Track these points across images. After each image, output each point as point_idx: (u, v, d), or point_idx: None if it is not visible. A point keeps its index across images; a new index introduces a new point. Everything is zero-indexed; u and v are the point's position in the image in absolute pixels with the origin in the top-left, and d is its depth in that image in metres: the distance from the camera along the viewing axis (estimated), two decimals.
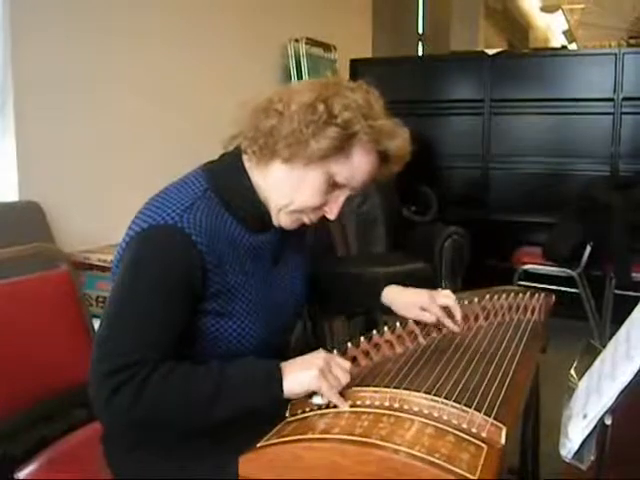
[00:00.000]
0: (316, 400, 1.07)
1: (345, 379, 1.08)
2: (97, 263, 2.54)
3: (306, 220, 1.23)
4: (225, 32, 3.70)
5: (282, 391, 1.06)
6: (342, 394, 1.06)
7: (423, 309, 1.38)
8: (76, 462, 1.42)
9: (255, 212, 1.21)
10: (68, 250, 2.54)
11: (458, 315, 1.37)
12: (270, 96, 1.19)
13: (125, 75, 3.01)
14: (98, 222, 2.80)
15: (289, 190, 1.18)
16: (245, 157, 1.21)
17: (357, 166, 1.17)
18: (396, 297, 1.44)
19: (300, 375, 1.07)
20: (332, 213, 1.22)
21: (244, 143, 1.19)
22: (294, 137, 1.12)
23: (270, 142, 1.15)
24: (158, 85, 3.21)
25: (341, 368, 1.09)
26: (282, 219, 1.21)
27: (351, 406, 1.04)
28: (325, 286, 1.51)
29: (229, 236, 1.17)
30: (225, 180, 1.20)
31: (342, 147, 1.14)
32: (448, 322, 1.37)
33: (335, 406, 1.04)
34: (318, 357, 1.10)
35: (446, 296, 1.39)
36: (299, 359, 1.11)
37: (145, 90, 3.14)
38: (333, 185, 1.18)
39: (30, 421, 1.80)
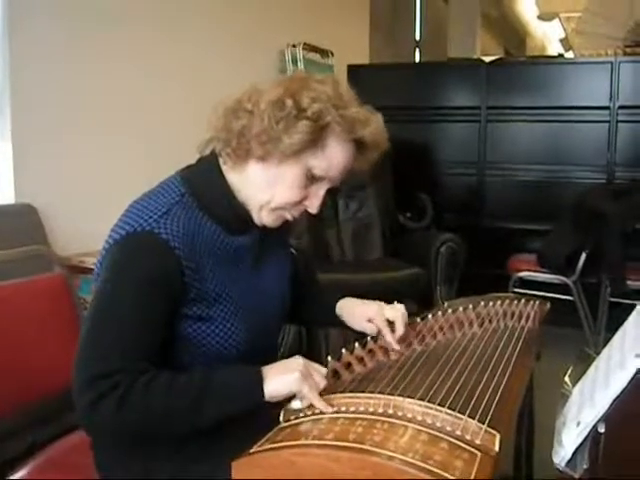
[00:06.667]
0: (295, 405, 1.07)
1: (323, 384, 1.09)
2: (92, 267, 2.51)
3: (288, 216, 1.23)
4: (222, 38, 3.71)
5: (263, 395, 1.07)
6: (331, 399, 1.06)
7: (369, 320, 1.37)
8: (69, 466, 1.42)
9: (234, 214, 1.21)
10: (63, 253, 2.54)
11: (399, 331, 1.32)
12: (239, 97, 1.18)
13: (121, 80, 3.02)
14: (94, 225, 2.77)
15: (268, 188, 1.18)
16: (221, 160, 1.21)
17: (333, 157, 1.16)
18: (346, 309, 1.43)
19: (283, 378, 1.08)
20: (313, 207, 1.21)
21: (218, 146, 1.19)
22: (266, 135, 1.12)
23: (243, 142, 1.15)
24: (154, 91, 3.21)
25: (319, 373, 1.10)
26: (264, 217, 1.21)
27: (345, 412, 1.04)
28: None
29: (208, 240, 1.17)
30: (202, 184, 1.20)
31: (316, 140, 1.14)
32: (388, 336, 1.31)
33: (318, 411, 1.04)
34: (297, 362, 1.10)
35: (395, 309, 1.35)
36: (278, 363, 1.12)
37: (141, 95, 3.14)
38: (311, 178, 1.18)
39: (23, 424, 1.80)
